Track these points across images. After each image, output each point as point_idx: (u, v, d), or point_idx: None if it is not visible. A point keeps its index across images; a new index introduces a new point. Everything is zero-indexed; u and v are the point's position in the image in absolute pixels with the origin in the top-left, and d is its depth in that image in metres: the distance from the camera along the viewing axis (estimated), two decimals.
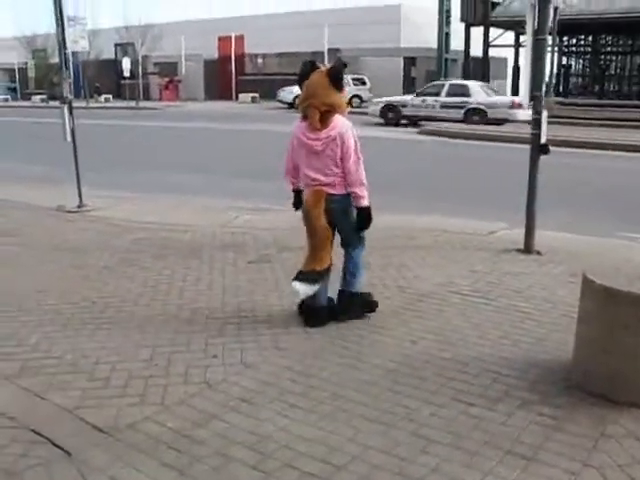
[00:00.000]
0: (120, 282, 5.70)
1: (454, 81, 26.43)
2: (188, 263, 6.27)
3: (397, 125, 24.64)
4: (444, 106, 23.72)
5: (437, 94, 24.17)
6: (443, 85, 24.94)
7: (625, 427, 3.33)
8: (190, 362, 4.07)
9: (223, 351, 4.23)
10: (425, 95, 24.67)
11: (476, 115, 22.95)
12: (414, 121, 24.35)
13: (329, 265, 4.65)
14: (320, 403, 3.55)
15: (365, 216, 4.60)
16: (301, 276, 4.58)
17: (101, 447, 3.13)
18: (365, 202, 4.55)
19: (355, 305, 4.85)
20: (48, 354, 4.20)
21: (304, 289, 4.53)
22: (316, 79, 4.47)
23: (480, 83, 26.19)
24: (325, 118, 4.43)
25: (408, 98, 25.75)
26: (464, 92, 23.79)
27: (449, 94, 23.92)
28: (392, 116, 25.15)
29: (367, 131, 22.63)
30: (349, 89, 38.07)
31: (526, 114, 21.12)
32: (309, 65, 4.57)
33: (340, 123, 4.47)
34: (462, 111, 23.27)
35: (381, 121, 25.24)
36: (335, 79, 4.43)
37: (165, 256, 6.51)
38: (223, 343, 4.36)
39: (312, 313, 4.74)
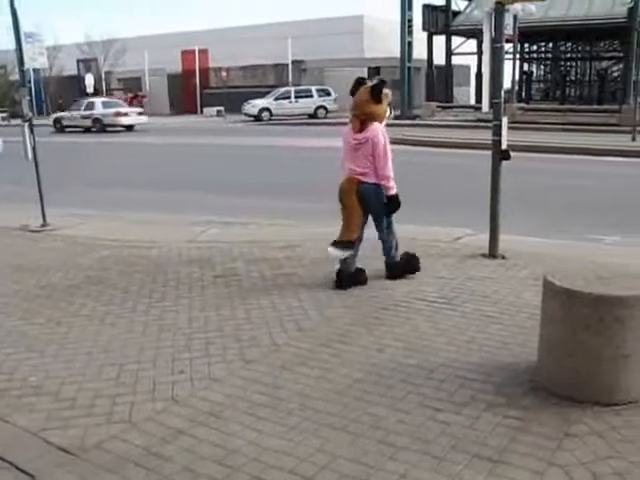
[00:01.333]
0: (85, 301, 5.64)
1: None
2: (154, 279, 6.23)
3: None
4: None
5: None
6: None
7: (588, 425, 3.38)
8: (157, 378, 4.05)
9: (190, 366, 4.22)
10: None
11: None
12: None
13: (357, 237, 5.87)
14: (288, 415, 3.55)
15: (394, 202, 5.84)
16: (335, 244, 5.80)
17: (66, 468, 3.09)
18: (392, 191, 5.79)
19: (397, 270, 6.09)
20: (12, 376, 4.15)
21: (336, 253, 5.82)
22: (361, 93, 5.70)
23: None
24: (364, 124, 5.64)
25: None
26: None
27: None
28: None
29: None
30: (314, 99, 38.34)
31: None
32: (358, 81, 5.80)
33: (373, 129, 5.64)
34: None
35: None
36: (375, 93, 5.62)
37: (131, 273, 6.47)
38: (190, 358, 4.34)
39: (344, 278, 5.85)
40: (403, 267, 6.13)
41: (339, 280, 5.88)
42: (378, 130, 5.66)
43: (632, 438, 3.27)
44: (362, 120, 5.66)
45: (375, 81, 5.74)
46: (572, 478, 2.94)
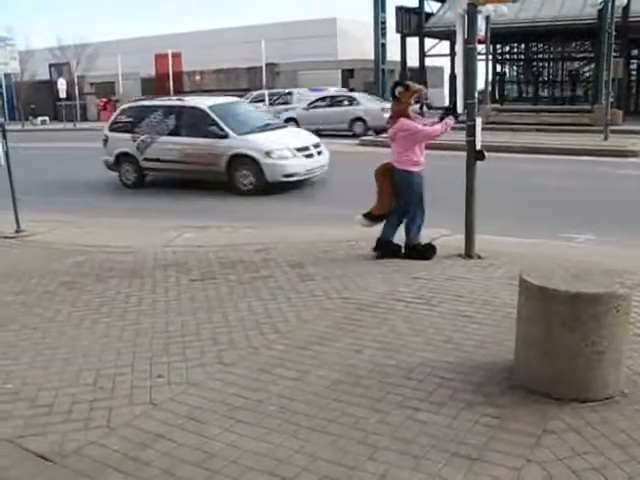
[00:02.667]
0: (61, 307, 5.59)
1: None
2: (130, 284, 6.19)
3: None
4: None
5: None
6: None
7: (565, 422, 3.42)
8: (135, 383, 4.03)
9: (168, 370, 4.20)
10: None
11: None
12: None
13: (385, 213, 6.92)
14: (267, 417, 3.55)
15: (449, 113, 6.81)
16: (364, 215, 6.97)
17: (44, 475, 3.07)
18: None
19: (413, 253, 6.85)
20: None
21: (361, 222, 7.02)
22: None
23: None
24: (395, 121, 6.75)
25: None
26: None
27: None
28: None
29: None
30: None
31: None
32: (394, 84, 6.96)
33: (398, 124, 6.69)
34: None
35: None
36: (392, 94, 6.80)
37: (106, 278, 6.42)
38: (168, 362, 4.32)
39: (380, 244, 6.91)
40: (419, 252, 6.86)
41: (376, 246, 6.93)
42: (402, 125, 6.66)
43: (608, 434, 3.31)
44: (394, 118, 6.79)
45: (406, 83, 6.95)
46: (550, 474, 2.97)
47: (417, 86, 6.86)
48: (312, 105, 26.34)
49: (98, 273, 6.61)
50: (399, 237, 7.00)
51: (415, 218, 6.90)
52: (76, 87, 45.54)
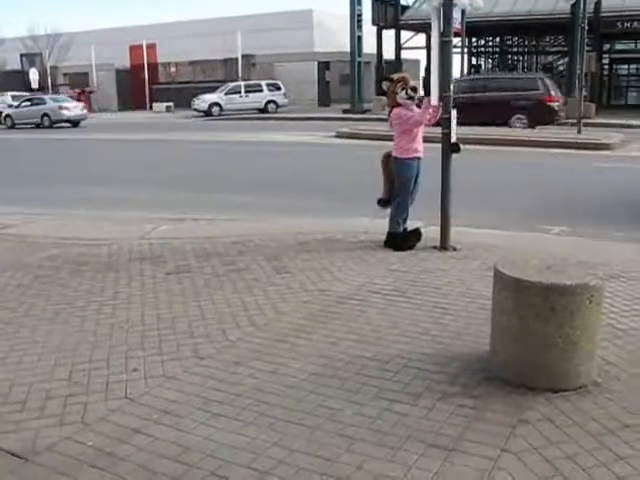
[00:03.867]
0: (35, 301, 5.52)
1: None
2: (105, 277, 6.14)
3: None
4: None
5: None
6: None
7: (540, 411, 3.45)
8: (110, 377, 3.99)
9: (144, 364, 4.17)
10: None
11: None
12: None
13: (388, 198, 7.12)
14: (243, 410, 3.54)
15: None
16: (378, 201, 7.24)
17: (17, 473, 3.02)
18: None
19: (391, 241, 6.99)
20: None
21: (379, 207, 7.27)
22: None
23: None
24: (391, 111, 7.00)
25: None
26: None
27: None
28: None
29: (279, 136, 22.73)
30: (264, 94, 38.24)
31: None
32: (381, 80, 7.41)
33: (393, 113, 6.91)
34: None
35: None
36: (382, 90, 7.40)
37: (82, 272, 6.36)
38: (143, 356, 4.29)
39: (388, 237, 7.06)
40: (396, 243, 6.95)
41: (386, 240, 7.06)
42: (394, 113, 6.88)
43: (581, 422, 3.35)
44: (390, 109, 7.07)
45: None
46: (525, 463, 3.00)
47: (398, 75, 7.08)
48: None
49: (73, 267, 6.54)
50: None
51: (400, 206, 7.01)
52: (49, 78, 45.00)
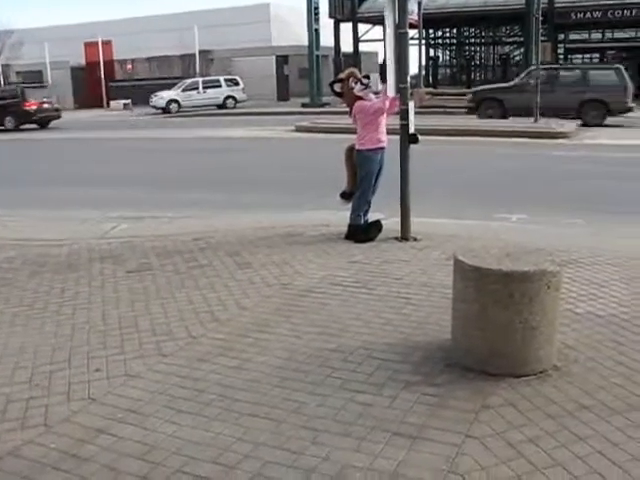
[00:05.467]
0: None
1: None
2: (65, 278, 6.06)
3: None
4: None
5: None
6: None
7: (502, 397, 3.51)
8: (72, 378, 3.94)
9: (106, 364, 4.13)
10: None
11: None
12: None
13: (350, 191, 7.14)
14: (208, 406, 3.53)
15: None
16: (341, 194, 7.23)
17: None
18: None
19: (352, 234, 7.02)
20: None
21: (341, 203, 7.27)
22: None
23: None
24: (351, 106, 6.99)
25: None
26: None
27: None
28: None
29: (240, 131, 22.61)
30: (222, 89, 37.99)
31: None
32: (330, 87, 7.33)
33: (355, 106, 6.90)
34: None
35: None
36: (336, 94, 7.25)
37: (41, 273, 6.26)
38: (106, 356, 4.25)
39: (349, 230, 7.08)
40: (357, 235, 6.98)
41: (347, 233, 7.08)
42: (356, 106, 6.88)
43: (542, 406, 3.42)
44: (350, 106, 7.04)
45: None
46: (488, 448, 3.05)
47: (346, 72, 7.15)
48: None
49: (31, 268, 6.44)
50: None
51: (361, 198, 7.05)
52: (0, 76, 44.10)
